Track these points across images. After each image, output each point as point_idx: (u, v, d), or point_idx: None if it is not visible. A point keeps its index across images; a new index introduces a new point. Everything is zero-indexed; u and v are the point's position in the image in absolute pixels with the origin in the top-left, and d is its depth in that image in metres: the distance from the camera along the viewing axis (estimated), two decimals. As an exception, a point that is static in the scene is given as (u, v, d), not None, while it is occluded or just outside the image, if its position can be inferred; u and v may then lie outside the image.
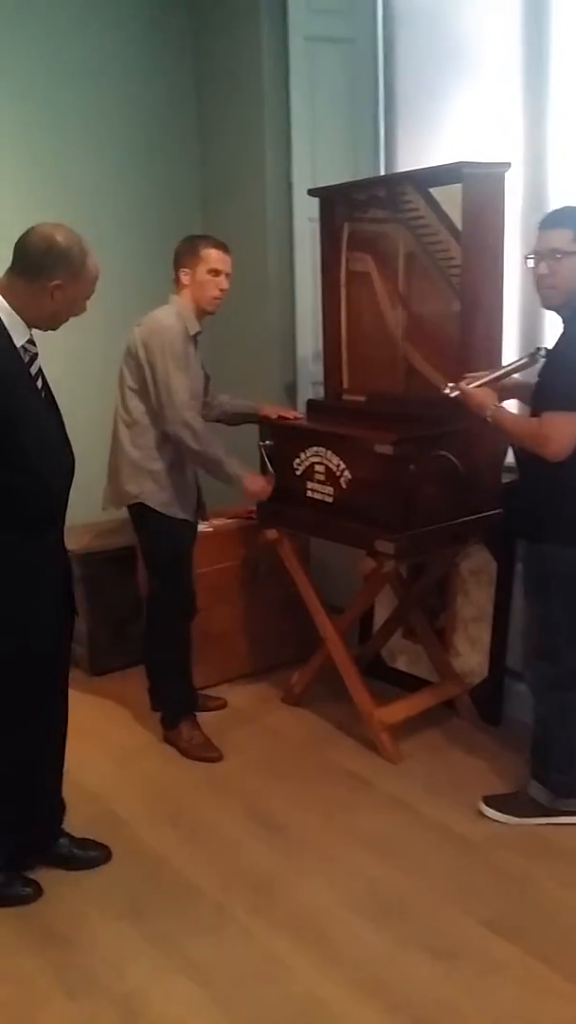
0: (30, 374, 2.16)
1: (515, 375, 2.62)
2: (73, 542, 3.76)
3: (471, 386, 2.52)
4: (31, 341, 2.17)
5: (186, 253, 2.94)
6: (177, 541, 3.05)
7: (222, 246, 2.95)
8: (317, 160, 3.61)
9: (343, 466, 2.87)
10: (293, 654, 3.60)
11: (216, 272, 2.92)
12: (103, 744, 3.19)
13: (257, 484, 3.02)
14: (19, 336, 2.12)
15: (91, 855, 2.52)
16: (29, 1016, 2.01)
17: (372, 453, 2.74)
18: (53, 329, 2.22)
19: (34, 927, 2.28)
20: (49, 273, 2.09)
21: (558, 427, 2.31)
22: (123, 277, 3.77)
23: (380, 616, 3.59)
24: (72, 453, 2.31)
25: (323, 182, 3.36)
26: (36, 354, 2.18)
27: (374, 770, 2.97)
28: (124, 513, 3.12)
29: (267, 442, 3.12)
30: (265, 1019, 1.99)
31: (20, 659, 2.24)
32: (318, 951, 2.18)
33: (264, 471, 3.14)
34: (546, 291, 2.39)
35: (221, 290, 2.95)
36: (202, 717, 3.22)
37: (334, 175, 3.41)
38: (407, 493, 2.75)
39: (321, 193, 3.18)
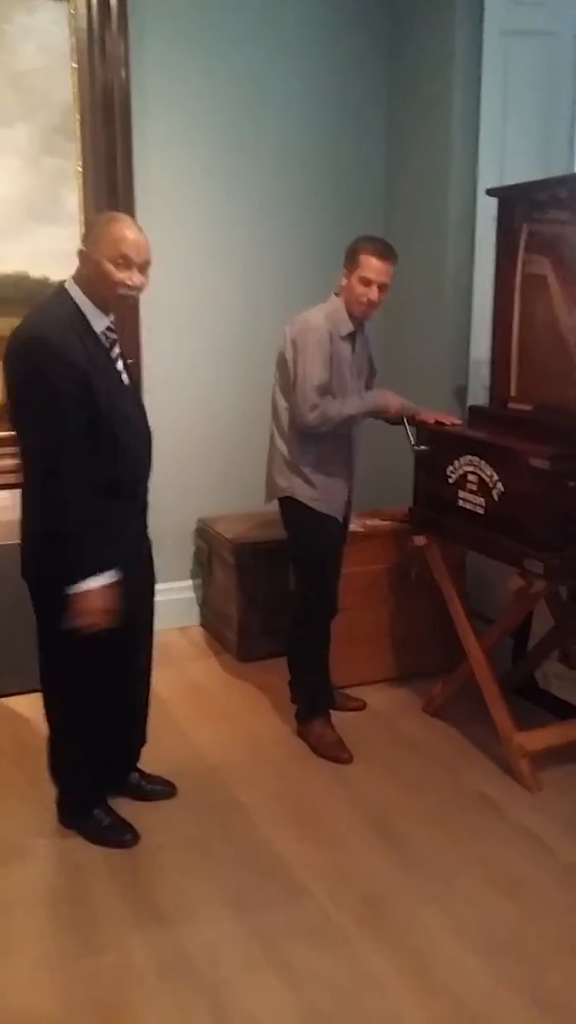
0: (110, 357, 2.34)
1: None
2: (229, 531, 3.85)
3: None
4: (110, 328, 2.35)
5: (349, 254, 2.89)
6: (323, 537, 3.04)
7: (382, 254, 2.83)
8: (506, 159, 3.46)
9: (496, 478, 2.75)
10: (440, 662, 3.50)
11: (367, 282, 2.83)
12: (239, 730, 3.25)
13: (387, 395, 3.01)
14: (98, 323, 2.31)
15: (157, 788, 2.79)
16: (123, 990, 2.07)
17: (528, 466, 2.61)
18: (115, 305, 2.33)
19: (143, 904, 2.35)
20: (84, 242, 2.30)
21: None
22: (306, 274, 3.81)
23: (537, 634, 3.43)
24: (148, 427, 2.49)
25: (511, 182, 3.21)
26: (115, 340, 2.37)
27: (509, 797, 2.84)
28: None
29: (423, 447, 3.04)
30: (348, 1037, 1.95)
31: None
32: (417, 978, 2.11)
33: (417, 476, 3.08)
34: None
35: (369, 300, 2.85)
36: (339, 717, 3.20)
37: (523, 174, 3.24)
38: (563, 511, 2.60)
39: (500, 192, 3.05)
